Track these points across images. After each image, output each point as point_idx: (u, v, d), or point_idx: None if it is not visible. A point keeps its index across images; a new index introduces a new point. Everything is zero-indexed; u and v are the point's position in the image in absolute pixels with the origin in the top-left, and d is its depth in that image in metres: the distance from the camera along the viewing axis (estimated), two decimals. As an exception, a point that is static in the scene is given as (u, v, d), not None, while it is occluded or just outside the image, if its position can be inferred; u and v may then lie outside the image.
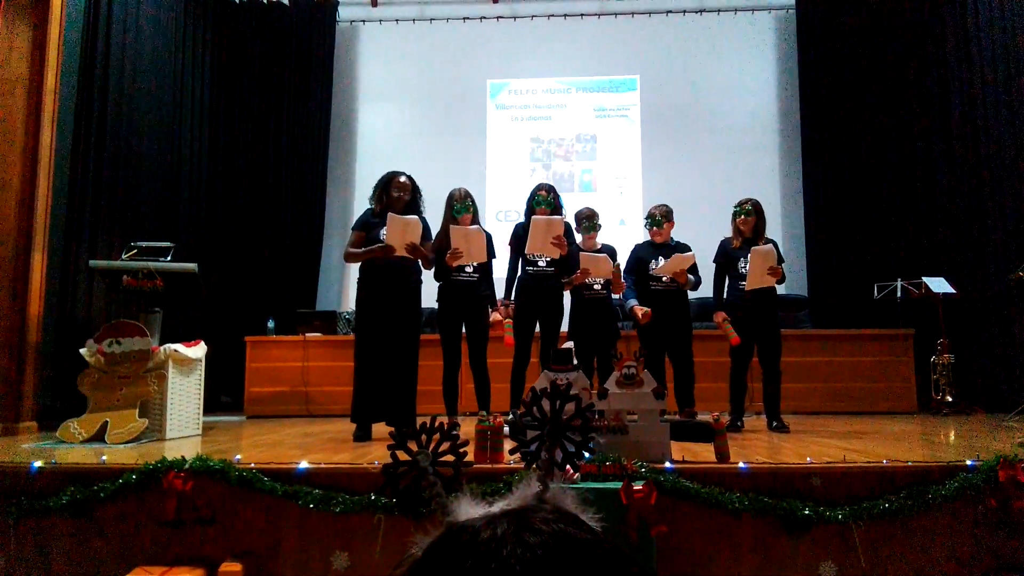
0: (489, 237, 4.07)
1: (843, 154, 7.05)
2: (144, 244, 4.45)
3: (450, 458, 1.26)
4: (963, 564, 2.52)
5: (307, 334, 5.87)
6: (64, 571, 2.72)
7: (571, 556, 0.45)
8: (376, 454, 3.09)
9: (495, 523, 0.48)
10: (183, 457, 2.74)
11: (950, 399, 5.33)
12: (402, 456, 1.31)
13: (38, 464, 2.84)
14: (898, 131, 6.94)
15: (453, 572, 0.45)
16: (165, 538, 2.68)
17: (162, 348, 3.97)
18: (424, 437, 1.27)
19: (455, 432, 1.31)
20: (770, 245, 4.19)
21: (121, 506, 2.73)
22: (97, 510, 2.73)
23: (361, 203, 7.19)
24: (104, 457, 3.02)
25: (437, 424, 1.30)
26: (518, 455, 1.54)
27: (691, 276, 4.33)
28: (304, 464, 2.74)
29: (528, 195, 4.34)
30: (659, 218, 4.40)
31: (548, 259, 4.17)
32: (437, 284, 4.10)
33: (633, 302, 4.22)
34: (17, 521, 2.74)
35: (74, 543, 2.73)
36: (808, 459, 2.72)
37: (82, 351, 3.97)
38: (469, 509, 0.53)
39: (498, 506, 0.52)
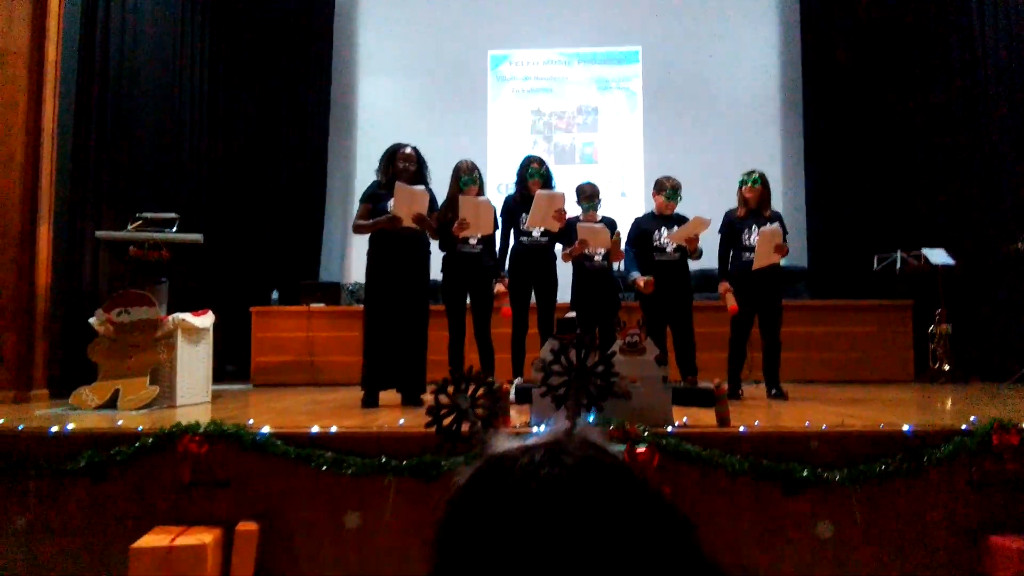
0: (494, 209, 4.11)
1: (844, 126, 7.06)
2: (149, 215, 4.48)
3: (486, 401, 1.38)
4: (956, 524, 2.60)
5: (311, 305, 5.92)
6: (84, 532, 2.80)
7: (600, 474, 0.51)
8: (384, 419, 3.17)
9: (531, 450, 0.54)
10: (197, 422, 2.81)
11: (947, 368, 5.41)
12: (444, 400, 1.42)
13: (55, 428, 2.91)
14: (899, 103, 6.95)
15: (497, 492, 0.51)
16: (182, 500, 2.76)
17: (171, 317, 4.03)
18: (463, 384, 1.40)
19: (491, 380, 1.42)
20: (776, 224, 4.21)
21: (138, 469, 2.80)
22: (114, 473, 2.80)
23: (362, 175, 7.21)
24: (120, 421, 3.09)
25: (475, 373, 1.40)
26: (524, 420, 1.64)
27: (700, 246, 4.34)
28: (316, 428, 2.81)
29: (519, 167, 4.37)
30: (679, 192, 4.41)
31: (542, 230, 4.20)
32: (441, 255, 4.14)
33: (635, 274, 4.27)
34: (37, 484, 2.82)
35: (92, 505, 2.81)
36: (806, 423, 2.79)
37: (91, 320, 4.03)
38: (505, 443, 0.58)
39: (531, 441, 0.57)
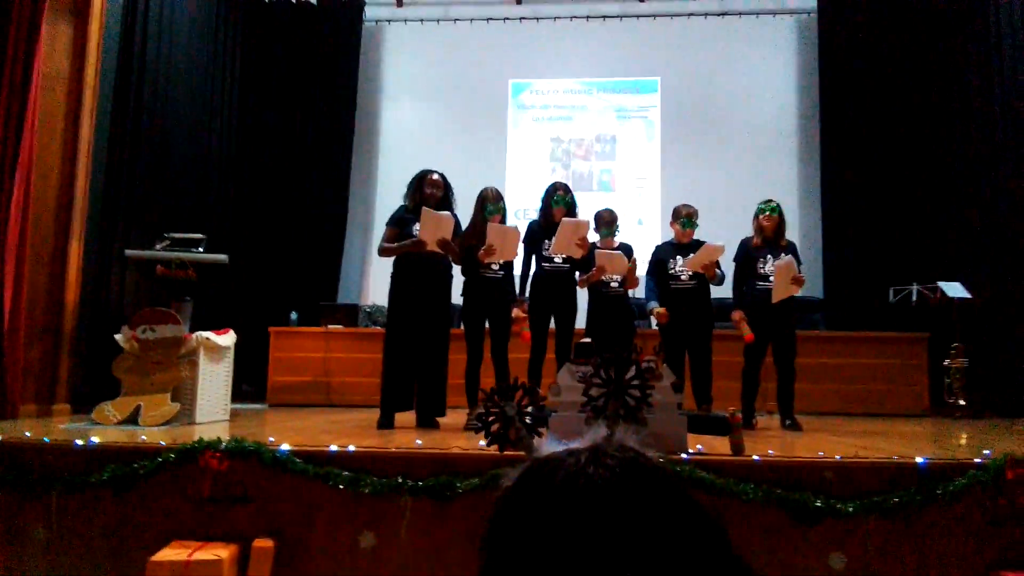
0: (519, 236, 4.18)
1: (861, 157, 7.10)
2: (177, 235, 4.60)
3: (531, 409, 1.49)
4: (970, 559, 2.59)
5: (329, 326, 6.00)
6: (104, 544, 2.86)
7: (642, 475, 0.56)
8: (400, 441, 3.21)
9: (576, 454, 0.58)
10: (219, 438, 2.87)
11: (962, 403, 5.37)
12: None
13: (80, 442, 2.98)
14: (916, 135, 6.99)
15: (544, 491, 0.55)
16: (201, 515, 2.81)
17: (194, 335, 4.12)
18: (510, 393, 1.50)
19: (536, 390, 1.53)
20: (790, 257, 4.25)
21: (159, 483, 2.86)
22: (136, 487, 2.86)
23: (384, 199, 7.34)
24: (143, 437, 3.16)
25: (520, 384, 1.50)
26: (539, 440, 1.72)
27: (717, 270, 4.37)
28: (334, 447, 2.86)
29: (544, 193, 4.45)
30: (695, 219, 4.47)
31: (564, 256, 4.26)
32: (462, 280, 4.21)
33: (653, 304, 4.32)
34: (60, 496, 2.89)
35: (114, 518, 2.86)
36: (820, 453, 2.80)
37: (117, 337, 4.12)
38: (549, 447, 0.62)
39: (574, 445, 0.62)
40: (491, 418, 1.54)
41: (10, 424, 3.75)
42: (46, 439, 3.03)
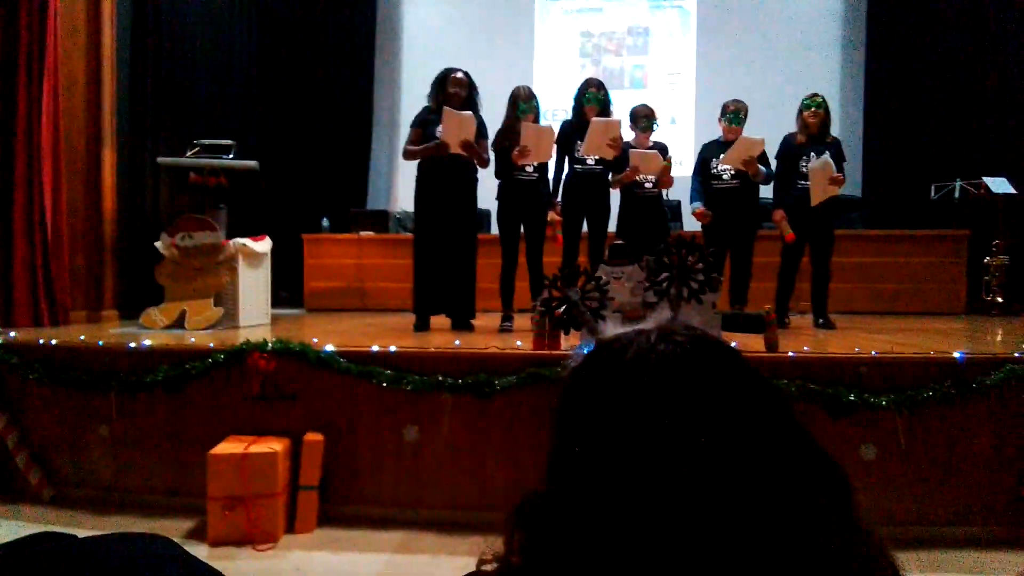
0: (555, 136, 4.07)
1: (907, 51, 6.73)
2: (207, 142, 4.59)
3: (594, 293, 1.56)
4: (1003, 452, 2.63)
5: (360, 232, 6.04)
6: (163, 439, 3.03)
7: (710, 350, 0.57)
8: (437, 341, 3.29)
9: (643, 333, 0.59)
10: (265, 339, 2.97)
11: (1000, 300, 5.30)
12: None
13: (132, 344, 3.11)
14: (964, 27, 6.55)
15: (615, 369, 0.57)
16: (252, 412, 2.96)
17: (232, 242, 4.18)
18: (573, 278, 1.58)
19: (599, 276, 1.59)
20: (825, 156, 4.09)
21: (211, 383, 3.00)
22: (189, 386, 3.00)
23: (408, 102, 7.18)
24: (192, 339, 3.28)
25: (583, 269, 1.56)
26: (572, 344, 1.75)
27: (762, 168, 4.23)
28: (376, 347, 2.94)
29: (576, 91, 4.30)
30: (742, 115, 4.32)
31: (596, 158, 4.17)
32: (497, 183, 4.16)
33: (696, 204, 4.24)
34: (119, 396, 3.04)
35: (170, 415, 3.03)
36: (856, 349, 2.81)
37: (157, 244, 4.21)
38: (614, 329, 0.64)
39: (639, 326, 0.63)
40: (554, 303, 1.59)
41: (63, 330, 3.91)
42: (100, 343, 3.16)
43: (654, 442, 0.53)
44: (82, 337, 3.30)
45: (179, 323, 4.05)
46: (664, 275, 1.76)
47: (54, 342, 3.14)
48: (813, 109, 4.17)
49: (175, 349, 3.09)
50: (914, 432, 2.64)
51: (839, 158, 4.18)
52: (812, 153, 4.15)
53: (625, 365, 0.57)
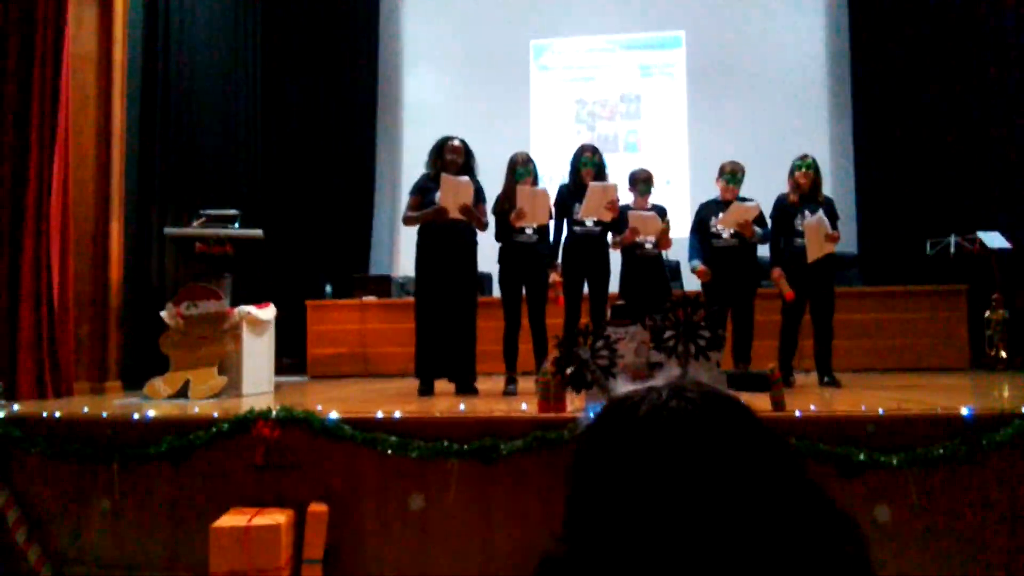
0: (550, 198, 4.17)
1: (894, 107, 6.92)
2: (213, 212, 4.67)
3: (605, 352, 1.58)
4: (1017, 509, 2.59)
5: (363, 297, 6.09)
6: (165, 513, 2.98)
7: (722, 407, 0.59)
8: (442, 406, 3.28)
9: (656, 390, 0.61)
10: (270, 407, 2.96)
11: (1004, 355, 5.30)
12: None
13: (136, 415, 3.09)
14: (951, 83, 6.77)
15: (628, 426, 0.58)
16: (256, 482, 2.92)
17: (236, 310, 4.21)
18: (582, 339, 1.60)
19: (608, 334, 1.62)
20: (819, 214, 4.19)
21: (214, 453, 2.96)
22: (193, 457, 2.97)
23: (409, 167, 7.34)
24: (195, 409, 3.27)
25: (592, 329, 1.58)
26: (578, 406, 1.76)
27: (757, 228, 4.32)
28: (380, 413, 2.93)
29: (572, 156, 4.42)
30: (739, 175, 4.43)
31: (595, 219, 4.25)
32: (498, 246, 4.22)
33: (695, 262, 4.31)
34: (121, 468, 3.01)
35: (173, 488, 2.98)
36: (862, 407, 2.80)
37: (162, 314, 4.23)
38: (625, 387, 0.65)
39: (651, 383, 0.64)
40: (566, 361, 1.62)
41: (66, 401, 3.90)
42: (104, 414, 3.15)
43: (670, 499, 0.54)
44: (85, 409, 3.29)
45: (183, 393, 4.04)
46: (671, 333, 1.79)
47: (57, 414, 3.13)
48: (804, 170, 4.28)
49: (179, 419, 3.07)
50: (927, 491, 2.60)
51: (833, 216, 4.26)
52: (806, 211, 4.23)
53: (638, 422, 0.58)
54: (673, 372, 0.66)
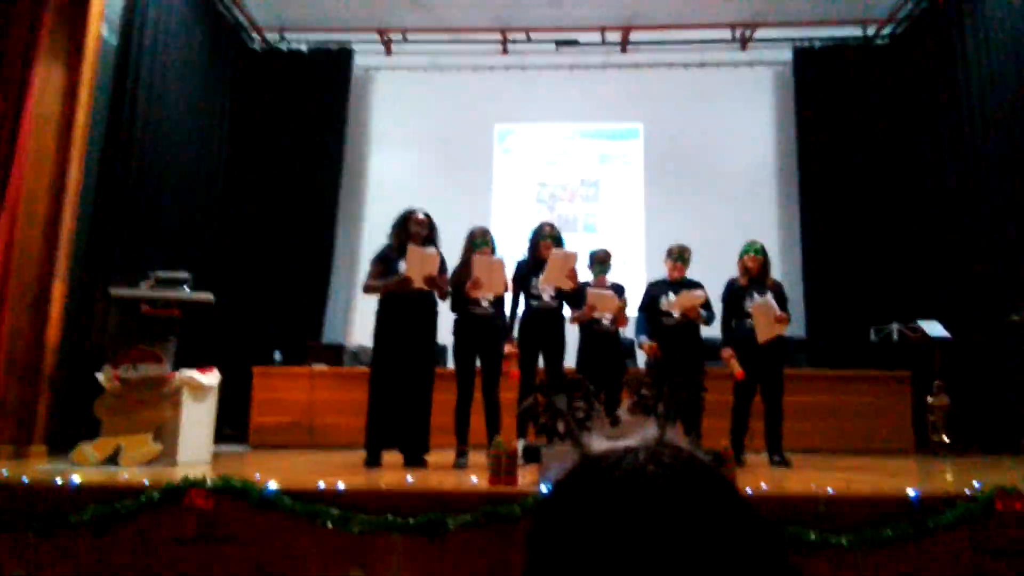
0: (505, 268, 4.20)
1: (839, 201, 7.30)
2: (163, 274, 4.56)
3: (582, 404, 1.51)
4: (964, 591, 2.59)
5: (314, 365, 5.94)
6: (81, 589, 2.76)
7: (699, 475, 0.56)
8: (388, 478, 3.17)
9: (634, 451, 0.58)
10: (205, 476, 2.81)
11: (946, 439, 5.41)
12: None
13: (60, 481, 2.90)
14: (892, 179, 7.20)
15: (600, 489, 0.55)
16: (186, 555, 2.74)
17: (178, 374, 4.06)
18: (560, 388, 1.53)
19: (587, 384, 1.56)
20: (767, 296, 4.33)
21: (142, 523, 2.78)
22: (118, 527, 2.78)
23: (369, 241, 7.35)
24: (125, 476, 3.08)
25: (571, 380, 1.52)
26: (531, 479, 1.70)
27: (703, 312, 4.45)
28: (322, 484, 2.81)
29: (531, 232, 4.50)
30: (686, 255, 4.56)
31: (552, 293, 4.29)
32: (453, 317, 4.21)
33: (643, 337, 4.36)
34: (38, 538, 2.79)
35: (95, 560, 2.78)
36: (812, 486, 2.80)
37: (98, 375, 4.05)
38: (601, 444, 0.61)
39: (627, 443, 0.60)
40: (541, 409, 1.56)
41: (-16, 465, 3.64)
42: (24, 479, 2.95)
43: (640, 569, 0.51)
44: (4, 472, 3.08)
45: (114, 460, 3.83)
46: (648, 393, 1.77)
47: (-27, 479, 2.91)
48: (751, 254, 4.44)
49: (105, 486, 2.89)
50: (877, 572, 2.58)
51: (781, 299, 4.40)
52: (755, 293, 4.36)
53: (611, 486, 0.55)
54: (650, 432, 0.62)
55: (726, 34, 7.89)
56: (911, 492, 2.71)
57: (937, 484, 3.21)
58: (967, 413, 5.90)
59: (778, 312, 4.25)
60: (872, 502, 2.70)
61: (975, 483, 2.79)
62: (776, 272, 6.93)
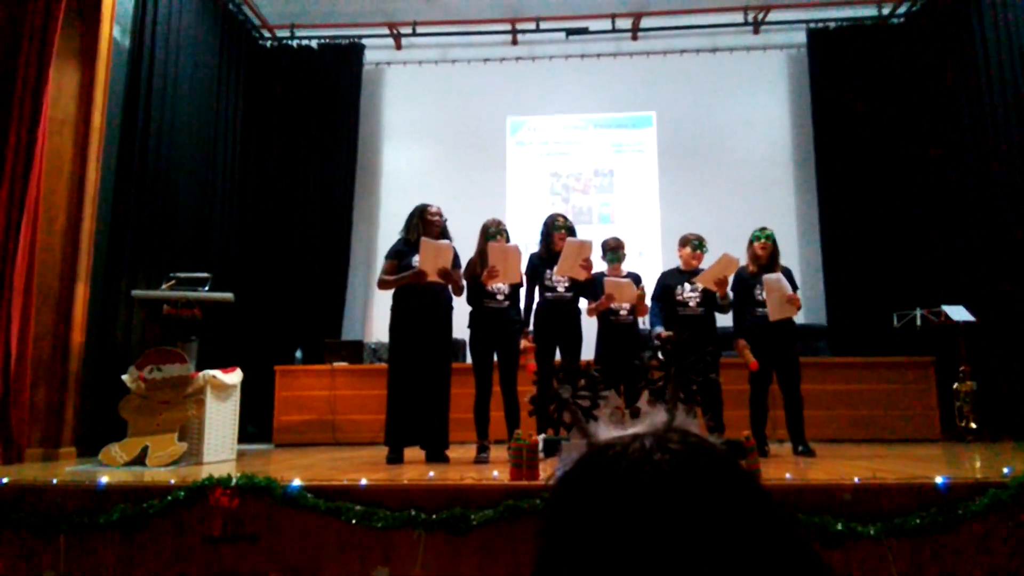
0: (521, 256, 4.16)
1: (858, 184, 7.18)
2: (183, 275, 4.61)
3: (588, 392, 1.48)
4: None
5: (334, 363, 5.98)
6: (112, 587, 2.80)
7: (709, 461, 0.55)
8: (411, 475, 3.18)
9: (640, 439, 0.57)
10: (229, 475, 2.84)
11: (973, 426, 5.33)
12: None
13: (88, 483, 2.94)
14: (911, 160, 7.07)
15: (608, 476, 0.55)
16: (212, 553, 2.77)
17: (201, 374, 4.10)
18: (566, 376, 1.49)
19: (594, 374, 1.54)
20: (779, 273, 4.27)
21: (169, 523, 2.82)
22: (146, 527, 2.82)
23: (385, 237, 7.37)
24: (151, 476, 3.12)
25: (576, 368, 1.50)
26: (551, 473, 1.68)
27: (730, 292, 4.33)
28: (345, 481, 2.82)
29: (543, 224, 4.47)
30: (704, 244, 4.50)
31: (567, 285, 4.27)
32: (468, 311, 4.20)
33: (659, 328, 4.32)
34: (68, 538, 2.84)
35: (123, 559, 2.82)
36: (838, 475, 2.77)
37: (124, 377, 4.10)
38: (607, 431, 0.61)
39: (635, 430, 0.60)
40: (547, 398, 1.54)
41: (16, 468, 3.71)
42: (54, 481, 2.99)
43: (649, 558, 0.50)
44: (35, 476, 3.13)
45: (140, 460, 3.88)
46: (660, 375, 1.75)
47: (4, 481, 2.96)
48: (762, 241, 4.39)
49: (132, 487, 2.93)
50: (905, 561, 2.55)
51: (791, 285, 4.32)
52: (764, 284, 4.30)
53: (618, 475, 0.54)
54: (659, 418, 0.61)
55: (738, 17, 7.78)
56: (939, 480, 2.67)
57: (966, 471, 3.16)
58: (994, 398, 5.81)
59: (789, 291, 4.20)
60: (900, 490, 2.66)
61: (1005, 469, 2.75)
62: (795, 259, 6.90)
